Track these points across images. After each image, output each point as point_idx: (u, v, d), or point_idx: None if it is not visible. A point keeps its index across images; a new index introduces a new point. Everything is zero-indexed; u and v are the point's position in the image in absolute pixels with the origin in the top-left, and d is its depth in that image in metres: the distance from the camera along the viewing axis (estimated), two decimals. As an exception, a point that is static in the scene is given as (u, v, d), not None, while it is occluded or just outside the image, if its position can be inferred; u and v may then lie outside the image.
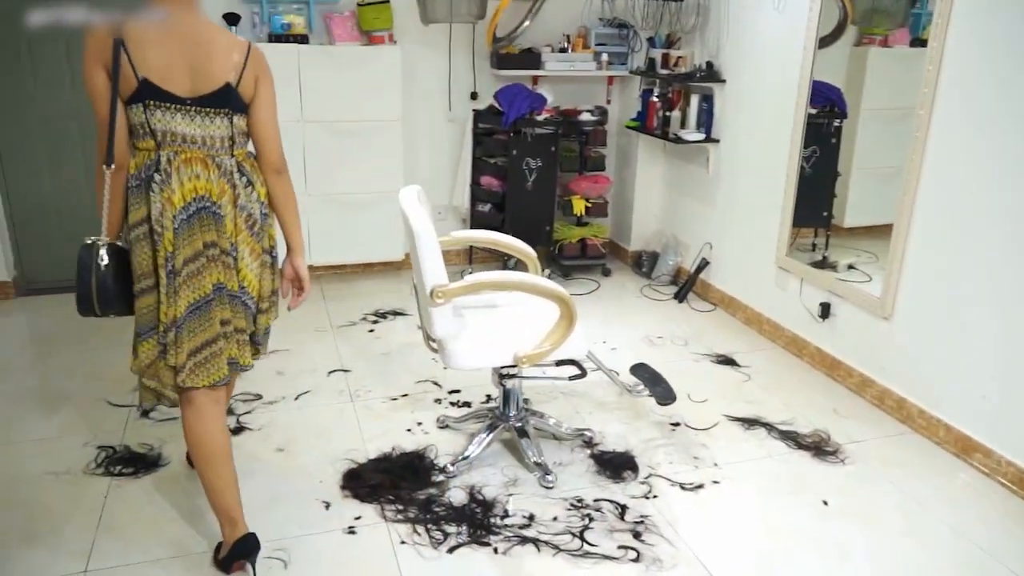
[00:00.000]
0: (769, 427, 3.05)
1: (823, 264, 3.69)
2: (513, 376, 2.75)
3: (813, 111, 3.67)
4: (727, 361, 3.65)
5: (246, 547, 2.19)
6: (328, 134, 4.31)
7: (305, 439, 2.92)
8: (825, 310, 3.50)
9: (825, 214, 3.82)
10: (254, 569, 2.19)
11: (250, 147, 2.15)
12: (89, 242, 2.04)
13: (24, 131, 4.06)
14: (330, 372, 3.46)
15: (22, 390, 3.26)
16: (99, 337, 3.72)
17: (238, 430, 2.97)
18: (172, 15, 1.97)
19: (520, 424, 2.81)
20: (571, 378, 2.80)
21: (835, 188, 3.74)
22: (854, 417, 3.15)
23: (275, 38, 4.13)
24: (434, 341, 2.60)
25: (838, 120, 3.70)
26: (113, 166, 1.98)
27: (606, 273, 4.81)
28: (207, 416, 2.17)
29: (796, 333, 3.71)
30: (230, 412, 3.09)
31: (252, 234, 2.13)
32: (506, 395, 2.82)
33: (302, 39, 4.16)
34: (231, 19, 4.07)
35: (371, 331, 3.92)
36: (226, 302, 2.12)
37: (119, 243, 2.07)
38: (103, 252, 2.03)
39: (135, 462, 2.73)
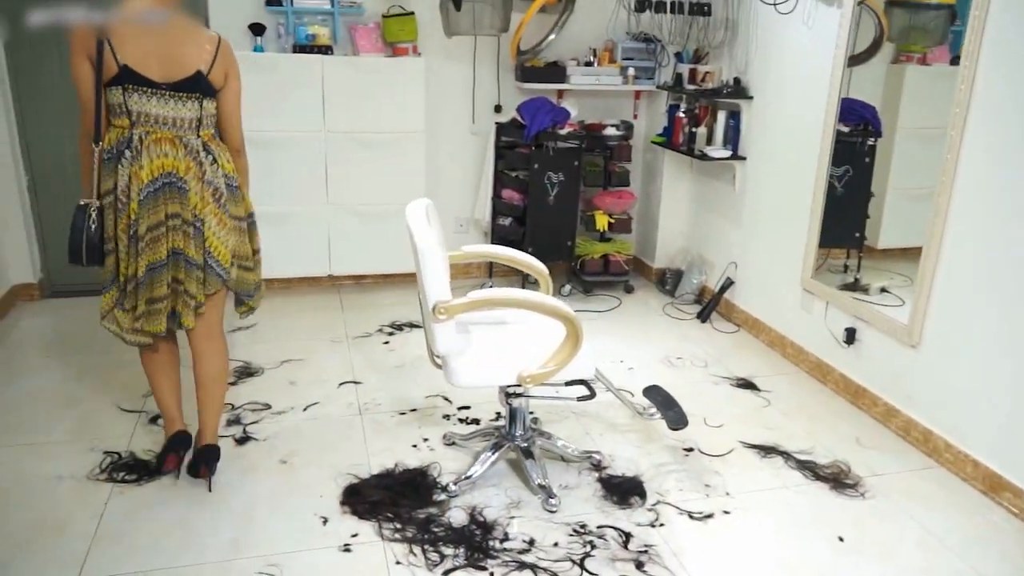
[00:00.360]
0: (787, 456, 2.94)
1: (855, 286, 3.57)
2: (520, 395, 2.69)
3: (845, 129, 3.56)
4: (747, 385, 3.54)
5: (177, 441, 2.66)
6: (350, 144, 4.31)
7: (309, 452, 2.88)
8: (850, 335, 3.38)
9: (857, 235, 3.70)
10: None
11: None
12: (83, 203, 2.35)
13: (54, 137, 4.13)
14: (341, 384, 3.43)
15: (37, 392, 3.28)
16: (117, 342, 3.73)
17: (244, 440, 2.95)
18: (153, 10, 2.26)
19: (526, 444, 2.74)
20: (579, 399, 2.74)
21: (868, 208, 3.62)
22: (877, 448, 3.03)
23: (299, 48, 4.14)
24: (438, 357, 2.55)
25: (872, 139, 3.59)
26: (100, 144, 2.30)
27: (629, 290, 4.72)
28: (160, 349, 2.63)
29: (820, 358, 3.59)
30: (237, 421, 3.08)
31: (219, 206, 2.42)
32: (512, 414, 2.76)
33: (326, 50, 4.17)
34: (256, 29, 4.09)
35: (386, 343, 3.89)
36: (181, 266, 2.41)
37: (100, 205, 2.37)
38: (94, 214, 2.35)
39: (138, 469, 2.72)
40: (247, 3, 4.13)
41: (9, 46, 3.97)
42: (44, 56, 4.05)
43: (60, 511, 2.49)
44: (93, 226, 2.35)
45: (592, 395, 2.72)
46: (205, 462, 2.61)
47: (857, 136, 3.59)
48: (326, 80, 4.17)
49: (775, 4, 3.67)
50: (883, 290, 3.47)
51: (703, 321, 4.28)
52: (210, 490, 2.60)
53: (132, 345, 2.56)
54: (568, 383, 2.69)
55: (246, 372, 3.50)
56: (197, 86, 2.31)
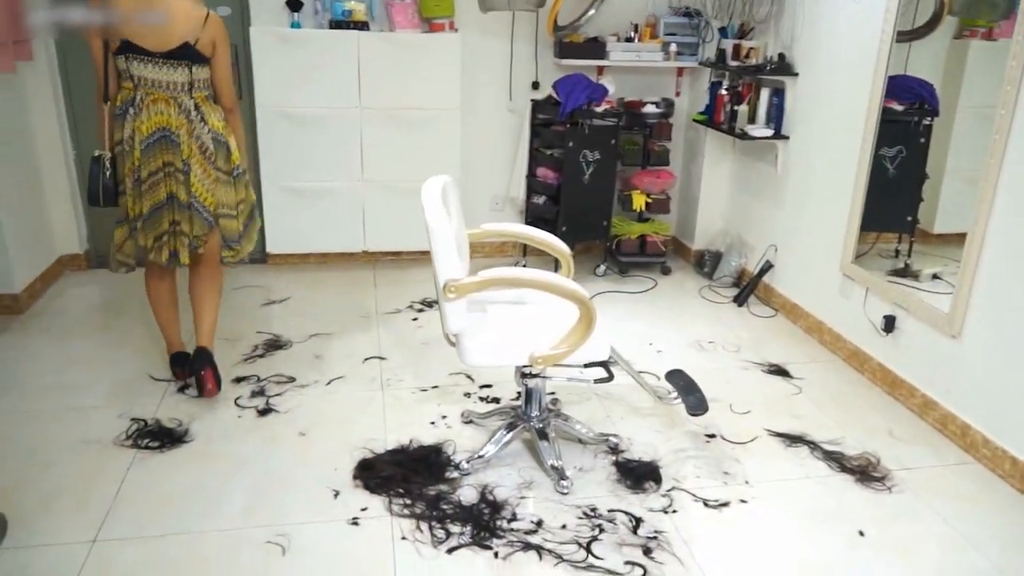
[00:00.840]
0: (813, 445, 2.84)
1: (905, 272, 3.42)
2: (535, 376, 2.66)
3: (900, 108, 3.40)
4: (779, 371, 3.43)
5: (177, 358, 3.16)
6: (386, 121, 4.31)
7: (328, 425, 2.91)
8: (889, 323, 3.24)
9: (909, 219, 3.54)
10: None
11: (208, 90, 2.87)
12: (97, 155, 2.81)
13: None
14: (366, 359, 3.45)
15: (77, 358, 3.39)
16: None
17: (265, 411, 2.99)
18: (153, 12, 2.66)
19: (541, 426, 2.71)
20: (597, 381, 2.69)
21: (922, 191, 3.46)
22: (911, 441, 2.90)
23: (336, 24, 4.14)
24: (451, 335, 2.53)
25: (928, 118, 3.41)
26: (110, 102, 2.76)
27: (665, 272, 4.63)
28: (161, 280, 3.07)
29: (858, 346, 3.45)
30: (261, 393, 3.12)
31: (204, 157, 2.84)
32: (528, 395, 2.73)
33: (362, 26, 4.16)
34: (294, 5, 4.11)
35: (415, 319, 3.90)
36: (174, 208, 2.85)
37: (112, 155, 2.81)
38: (107, 163, 2.80)
39: (162, 436, 2.79)
40: (285, -22, 4.15)
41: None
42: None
43: (84, 474, 2.57)
44: (107, 172, 2.79)
45: (610, 377, 2.67)
46: (201, 366, 2.98)
47: (912, 115, 3.42)
48: (362, 56, 4.17)
49: (820, -25, 3.51)
50: (935, 277, 3.31)
51: (740, 305, 4.17)
52: (219, 390, 3.02)
53: (125, 268, 3.03)
54: (587, 365, 2.64)
55: (275, 345, 3.54)
56: (186, 55, 2.74)
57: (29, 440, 2.76)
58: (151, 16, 2.66)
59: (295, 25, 4.16)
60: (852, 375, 3.43)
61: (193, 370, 3.01)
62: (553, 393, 3.15)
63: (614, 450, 2.78)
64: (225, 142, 2.89)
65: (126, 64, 2.71)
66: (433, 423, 2.94)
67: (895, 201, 3.57)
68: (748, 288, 4.19)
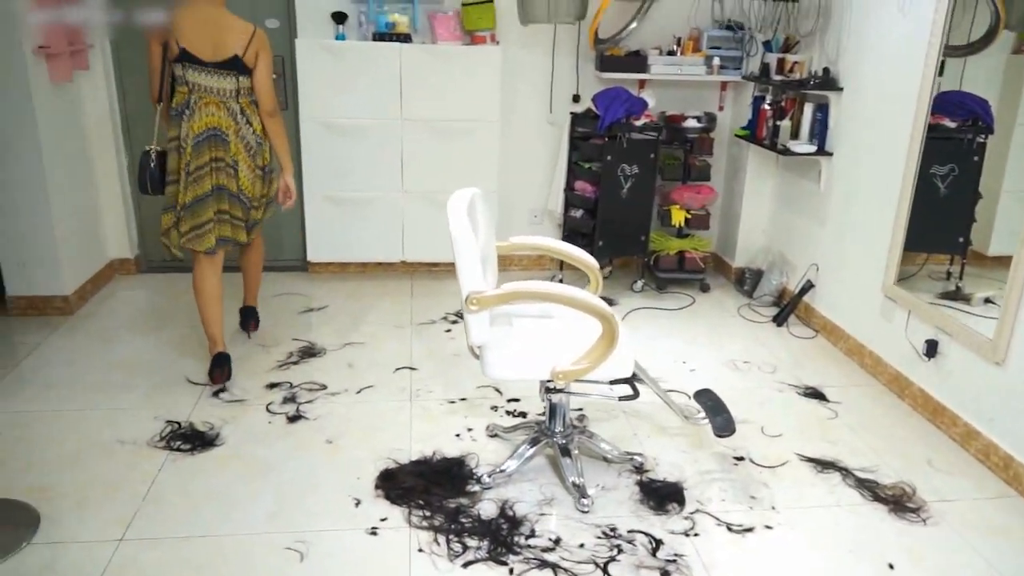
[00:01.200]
0: (846, 472, 2.76)
1: (956, 295, 3.30)
2: (559, 391, 2.64)
3: (952, 125, 3.29)
4: (815, 394, 3.34)
5: (219, 359, 3.31)
6: (426, 132, 4.35)
7: (355, 433, 2.94)
8: (931, 348, 3.13)
9: (961, 240, 3.42)
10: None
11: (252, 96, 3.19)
12: (147, 149, 3.18)
13: (150, 121, 4.36)
14: (397, 369, 3.48)
15: (119, 360, 3.50)
16: (197, 318, 3.93)
17: (295, 418, 3.04)
18: (204, 8, 3.05)
19: (564, 442, 2.69)
20: (621, 398, 2.66)
21: (975, 211, 3.34)
22: (951, 472, 2.79)
23: (379, 36, 4.21)
24: (475, 348, 2.53)
25: (982, 135, 3.30)
26: (162, 103, 3.14)
27: (704, 289, 4.56)
28: (205, 270, 3.27)
29: (899, 370, 3.35)
30: (292, 400, 3.17)
31: (249, 155, 3.20)
32: (552, 410, 2.71)
33: (405, 38, 4.22)
34: (338, 17, 4.19)
35: (448, 331, 3.91)
36: (225, 198, 3.18)
37: (160, 149, 3.19)
38: (153, 156, 3.17)
39: (194, 439, 2.85)
40: (331, -8, 4.24)
41: (114, 41, 4.23)
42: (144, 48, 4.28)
43: (116, 474, 2.64)
44: (152, 164, 3.17)
45: (635, 395, 2.64)
46: (249, 318, 3.76)
47: (965, 132, 3.31)
48: (404, 68, 4.22)
49: (866, -11, 3.43)
50: (987, 301, 3.19)
51: (779, 325, 4.08)
52: (249, 337, 3.71)
53: (177, 256, 3.32)
54: (613, 382, 2.62)
55: (309, 352, 3.60)
56: (234, 66, 3.08)
57: (67, 439, 2.85)
58: (192, 7, 3.04)
59: (340, 37, 4.24)
60: (892, 401, 3.32)
61: (244, 323, 3.75)
62: (580, 409, 3.12)
63: (638, 469, 2.74)
64: (263, 142, 3.25)
65: (183, 71, 3.06)
66: (458, 435, 2.95)
67: (946, 221, 3.46)
68: (788, 308, 4.10)
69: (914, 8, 3.26)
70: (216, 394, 3.20)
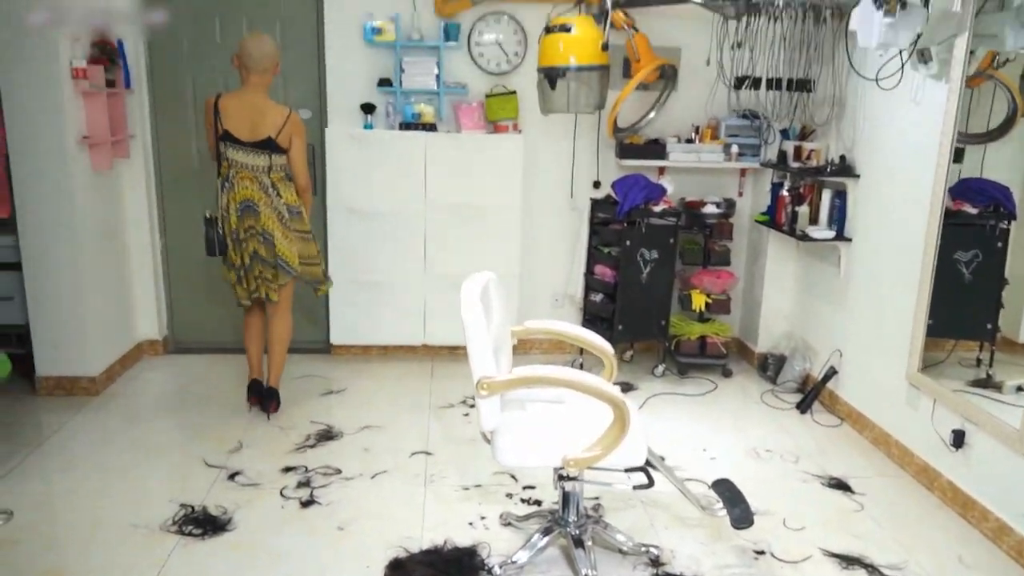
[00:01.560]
0: (872, 569, 2.65)
1: (987, 383, 3.23)
2: (572, 478, 2.60)
3: (973, 211, 3.30)
4: (840, 485, 3.25)
5: (254, 385, 3.84)
6: (450, 217, 4.45)
7: (367, 520, 2.91)
8: (959, 438, 3.04)
9: (989, 326, 3.37)
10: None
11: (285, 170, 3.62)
12: (208, 216, 3.61)
13: (187, 205, 4.54)
14: (413, 453, 3.46)
15: (140, 440, 3.53)
16: (220, 400, 3.99)
17: (308, 503, 3.02)
18: (247, 95, 3.51)
19: (577, 532, 2.64)
20: (636, 487, 2.61)
21: (1002, 297, 3.30)
22: (982, 570, 2.67)
23: (406, 126, 4.36)
24: (487, 433, 2.52)
25: (1005, 221, 3.29)
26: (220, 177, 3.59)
27: (727, 374, 4.51)
28: (252, 317, 3.84)
29: (927, 461, 3.25)
30: (307, 484, 3.16)
31: (281, 224, 3.58)
32: (565, 498, 2.66)
33: (430, 127, 4.37)
34: (367, 108, 4.36)
35: (466, 415, 3.90)
36: (257, 261, 3.59)
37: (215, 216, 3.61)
38: (218, 223, 3.58)
39: (206, 524, 2.84)
40: (361, 84, 4.42)
41: (156, 128, 4.45)
42: (181, 137, 4.49)
43: (127, 557, 2.63)
44: (214, 228, 3.59)
45: (650, 484, 2.60)
46: (269, 399, 3.82)
47: (987, 218, 3.31)
48: (429, 155, 4.36)
49: (877, 80, 3.49)
50: (1020, 389, 3.12)
51: (803, 412, 4.00)
52: (268, 419, 3.79)
53: (243, 307, 3.79)
54: (628, 469, 2.58)
55: (326, 436, 3.60)
56: (267, 146, 3.49)
57: (82, 520, 2.86)
58: (237, 93, 3.54)
59: (368, 126, 4.40)
60: (920, 493, 3.21)
61: (263, 404, 3.84)
62: (597, 498, 3.07)
63: (654, 562, 2.66)
64: (299, 210, 3.66)
65: (224, 148, 3.50)
66: (471, 523, 2.90)
67: (972, 307, 3.42)
68: (812, 394, 4.03)
69: (927, 98, 3.30)
70: (231, 477, 3.20)
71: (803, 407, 4.02)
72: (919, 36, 3.12)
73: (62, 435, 3.57)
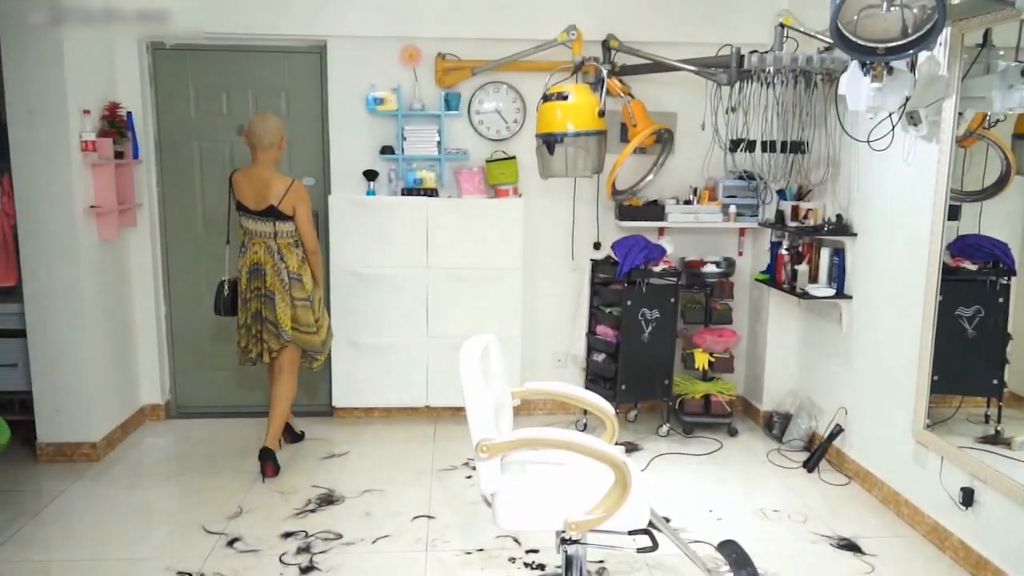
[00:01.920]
0: (884, 634, 2.59)
1: (996, 439, 3.20)
2: (575, 542, 2.56)
3: (973, 267, 3.32)
4: (849, 546, 3.19)
5: (263, 453, 3.84)
6: (451, 280, 4.49)
7: (367, 587, 2.86)
8: (967, 496, 3.00)
9: (995, 382, 3.35)
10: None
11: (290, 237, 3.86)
12: (223, 279, 3.95)
13: (191, 272, 4.60)
14: (415, 517, 3.42)
15: (140, 507, 3.50)
16: (221, 465, 3.97)
17: (308, 569, 2.97)
18: (256, 170, 3.80)
19: (581, 597, 2.58)
20: (640, 550, 2.57)
21: (1007, 353, 3.30)
22: (999, 633, 2.60)
23: (407, 191, 4.45)
24: (487, 496, 2.50)
25: (1005, 277, 3.31)
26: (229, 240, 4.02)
27: (732, 433, 4.47)
28: (270, 379, 4.03)
29: (937, 520, 3.19)
30: (307, 550, 3.12)
31: (283, 288, 3.82)
32: (568, 562, 2.62)
33: (432, 192, 4.45)
34: (370, 175, 4.45)
35: (468, 477, 3.86)
36: (258, 322, 3.85)
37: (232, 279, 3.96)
38: (227, 286, 3.94)
39: (203, 592, 2.80)
40: (363, 152, 4.52)
41: (163, 198, 4.54)
42: (188, 205, 4.58)
43: (122, 628, 2.59)
44: (226, 292, 3.92)
45: (654, 547, 2.55)
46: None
47: (987, 275, 3.33)
48: (430, 220, 4.42)
49: (869, 142, 3.56)
50: (1028, 444, 3.10)
51: (810, 471, 3.95)
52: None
53: (245, 363, 4.02)
54: (632, 532, 2.54)
55: (327, 500, 3.57)
56: (271, 213, 3.76)
57: (79, 590, 2.82)
58: (249, 169, 3.84)
59: (370, 193, 4.48)
60: (932, 553, 3.15)
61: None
62: (601, 562, 3.01)
63: (661, 628, 2.60)
64: (300, 278, 3.84)
65: (239, 217, 3.84)
66: (473, 589, 2.85)
67: (977, 363, 3.41)
68: (818, 453, 3.99)
69: (919, 159, 3.36)
70: (230, 544, 3.16)
71: (810, 466, 3.97)
72: (907, 99, 3.20)
73: (61, 503, 3.54)
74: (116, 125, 4.11)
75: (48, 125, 3.76)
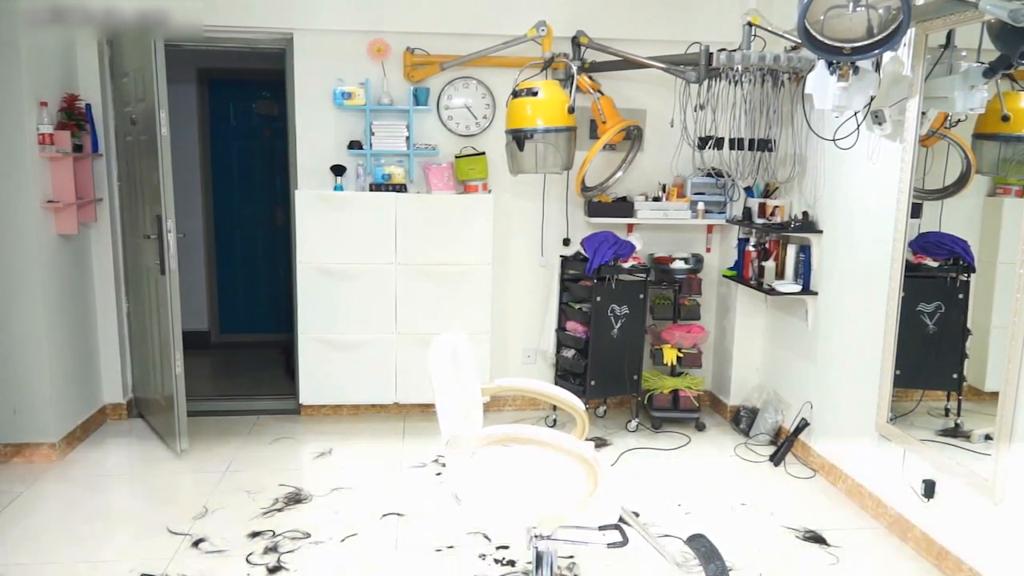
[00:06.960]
0: (849, 624, 2.63)
1: (956, 432, 3.26)
2: (545, 537, 2.56)
3: (934, 264, 3.38)
4: (815, 538, 3.23)
5: None
6: (420, 276, 4.46)
7: (336, 586, 2.83)
8: (929, 488, 3.06)
9: (955, 376, 3.42)
10: None
11: None
12: None
13: (152, 268, 4.51)
14: (384, 515, 3.39)
15: (101, 509, 3.43)
16: (185, 463, 3.90)
17: (275, 569, 2.94)
18: None
19: (551, 593, 2.59)
20: (610, 545, 2.57)
21: (966, 347, 3.36)
22: (960, 622, 2.66)
23: (376, 187, 4.40)
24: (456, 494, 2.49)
25: (965, 274, 3.37)
26: None
27: (700, 428, 4.51)
28: None
29: (900, 512, 3.25)
30: (275, 549, 3.08)
31: None
32: (539, 557, 2.61)
33: (400, 188, 4.41)
34: (337, 170, 4.40)
35: (438, 474, 3.85)
36: None
37: None
38: None
39: (168, 594, 2.75)
40: (330, 147, 4.46)
41: (123, 192, 4.44)
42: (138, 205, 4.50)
43: (84, 632, 2.53)
44: None
45: (624, 542, 2.55)
46: None
47: (948, 271, 3.39)
48: (399, 216, 4.39)
49: (834, 140, 3.60)
50: (988, 437, 3.15)
51: (776, 465, 4.00)
52: None
53: None
54: (602, 527, 2.54)
55: (295, 499, 3.52)
56: None
57: (38, 594, 2.75)
58: None
59: (338, 188, 4.43)
60: (895, 544, 3.21)
61: None
62: (571, 556, 3.02)
63: (631, 623, 2.62)
64: None
65: None
66: (443, 587, 2.84)
67: (937, 358, 3.47)
68: (784, 447, 4.04)
69: (883, 157, 3.41)
70: (195, 544, 3.11)
71: (776, 459, 4.02)
72: (872, 99, 3.24)
73: (19, 505, 3.45)
74: (75, 117, 4.00)
75: (2, 117, 3.65)
